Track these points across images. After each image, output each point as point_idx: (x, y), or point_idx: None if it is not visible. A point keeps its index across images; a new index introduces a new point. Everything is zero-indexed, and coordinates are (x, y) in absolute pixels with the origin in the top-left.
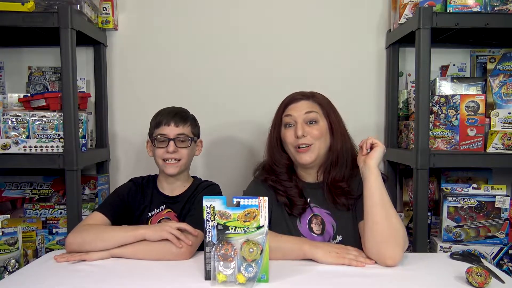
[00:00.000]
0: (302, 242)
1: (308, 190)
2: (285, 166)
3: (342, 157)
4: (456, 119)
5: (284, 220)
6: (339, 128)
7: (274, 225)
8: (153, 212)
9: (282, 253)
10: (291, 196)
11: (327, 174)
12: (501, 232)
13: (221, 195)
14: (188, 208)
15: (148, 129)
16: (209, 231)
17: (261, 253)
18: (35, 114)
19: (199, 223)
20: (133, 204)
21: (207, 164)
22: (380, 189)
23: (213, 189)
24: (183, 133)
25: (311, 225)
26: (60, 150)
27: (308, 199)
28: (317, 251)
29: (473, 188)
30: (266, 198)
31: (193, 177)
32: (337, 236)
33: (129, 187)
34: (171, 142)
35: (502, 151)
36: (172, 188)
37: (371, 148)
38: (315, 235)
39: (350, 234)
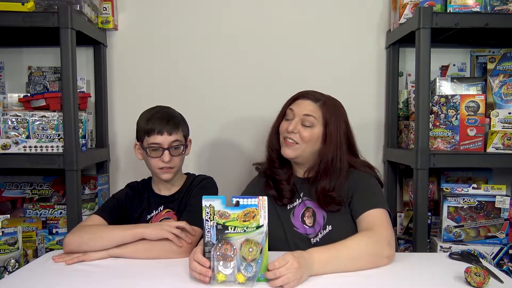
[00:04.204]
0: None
1: (299, 184)
2: (277, 152)
3: (333, 168)
4: (456, 119)
5: (277, 215)
6: (336, 139)
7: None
8: (152, 214)
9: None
10: (278, 180)
11: (317, 182)
12: (501, 232)
13: (216, 188)
14: (184, 203)
15: (136, 130)
16: (209, 231)
17: (260, 252)
18: (35, 114)
19: (196, 218)
20: (131, 208)
21: (203, 165)
22: (330, 266)
23: (208, 182)
24: (176, 140)
25: (304, 218)
26: (60, 150)
27: (302, 193)
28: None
29: (473, 188)
30: (265, 198)
31: (186, 173)
32: (327, 226)
33: (125, 192)
34: (166, 152)
35: (502, 151)
36: (168, 188)
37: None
38: (307, 227)
39: (340, 224)
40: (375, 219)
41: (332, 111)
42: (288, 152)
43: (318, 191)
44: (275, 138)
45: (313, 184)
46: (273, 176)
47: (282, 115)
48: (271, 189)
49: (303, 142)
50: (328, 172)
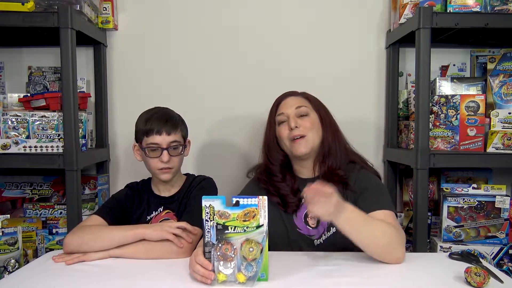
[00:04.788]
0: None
1: (302, 185)
2: (280, 164)
3: (335, 148)
4: (456, 119)
5: (280, 216)
6: (329, 121)
7: (270, 223)
8: (152, 214)
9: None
10: (284, 194)
11: (323, 165)
12: (501, 232)
13: (216, 188)
14: (184, 204)
15: (135, 132)
16: (208, 231)
17: (261, 252)
18: (35, 114)
19: (196, 219)
20: (131, 208)
21: (203, 165)
22: (352, 226)
23: (207, 183)
24: (175, 140)
25: (307, 219)
26: (60, 150)
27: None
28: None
29: (473, 188)
30: (265, 198)
31: (186, 174)
32: (331, 228)
33: (125, 192)
34: (165, 152)
35: (502, 151)
36: (167, 189)
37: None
38: (311, 228)
39: None
40: (386, 220)
41: (314, 99)
42: (301, 148)
43: (326, 172)
44: (275, 149)
45: (321, 172)
46: (278, 191)
47: (273, 125)
48: (276, 197)
49: (309, 131)
50: (331, 152)
